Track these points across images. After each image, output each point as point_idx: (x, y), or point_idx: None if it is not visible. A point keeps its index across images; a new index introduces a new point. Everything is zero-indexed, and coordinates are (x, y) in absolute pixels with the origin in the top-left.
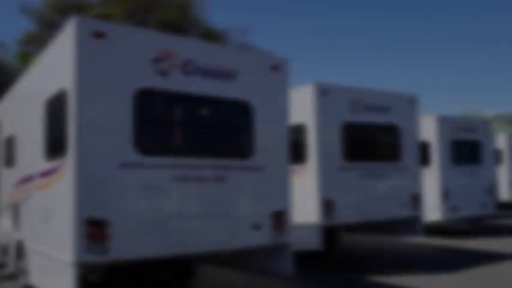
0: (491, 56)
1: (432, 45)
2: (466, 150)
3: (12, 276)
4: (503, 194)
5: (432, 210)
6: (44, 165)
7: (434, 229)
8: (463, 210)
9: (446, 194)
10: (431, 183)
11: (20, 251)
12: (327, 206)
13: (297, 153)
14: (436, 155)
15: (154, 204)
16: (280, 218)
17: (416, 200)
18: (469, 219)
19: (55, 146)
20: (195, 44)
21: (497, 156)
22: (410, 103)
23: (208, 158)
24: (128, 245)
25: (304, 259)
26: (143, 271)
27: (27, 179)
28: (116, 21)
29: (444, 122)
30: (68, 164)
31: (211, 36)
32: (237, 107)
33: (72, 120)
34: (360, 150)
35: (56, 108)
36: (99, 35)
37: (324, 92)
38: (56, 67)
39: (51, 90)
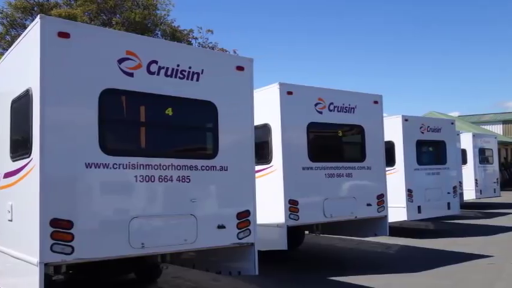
0: (454, 59)
1: (397, 47)
2: (431, 151)
3: None
4: (468, 194)
5: (397, 210)
6: (11, 165)
7: (400, 229)
8: (428, 211)
9: (411, 194)
10: (396, 183)
11: None
12: (292, 206)
13: (262, 153)
14: (401, 155)
15: (119, 204)
16: (245, 218)
17: (381, 200)
18: (434, 220)
19: (20, 146)
20: (160, 45)
21: (461, 156)
22: (376, 103)
23: (173, 158)
24: (92, 245)
25: (270, 258)
26: (108, 271)
27: None
28: (81, 21)
29: (409, 122)
30: (32, 164)
31: (176, 36)
32: (201, 107)
33: (36, 120)
34: (325, 150)
35: (21, 108)
36: (64, 35)
37: (288, 92)
38: (21, 67)
39: (17, 90)
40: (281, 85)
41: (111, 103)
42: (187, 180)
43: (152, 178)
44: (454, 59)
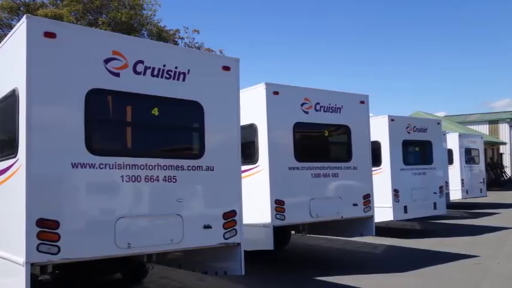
0: (440, 60)
1: (384, 47)
2: (418, 151)
3: None
4: (454, 194)
5: (384, 210)
6: None
7: (386, 229)
8: (414, 211)
9: (397, 194)
10: (382, 183)
11: None
12: (278, 206)
13: (248, 153)
14: (387, 155)
15: (105, 204)
16: (231, 218)
17: (367, 200)
18: (421, 220)
19: (6, 146)
20: (146, 45)
21: (447, 156)
22: (362, 103)
23: (159, 158)
24: (79, 245)
25: (256, 258)
26: (95, 271)
27: None
28: (67, 21)
29: (395, 122)
30: (19, 164)
31: (162, 36)
32: (187, 107)
33: (22, 120)
34: (311, 150)
35: (7, 108)
36: (50, 35)
37: (275, 92)
38: (7, 67)
39: (3, 90)
40: (267, 85)
41: (98, 103)
42: (174, 180)
43: (138, 178)
44: (440, 59)
